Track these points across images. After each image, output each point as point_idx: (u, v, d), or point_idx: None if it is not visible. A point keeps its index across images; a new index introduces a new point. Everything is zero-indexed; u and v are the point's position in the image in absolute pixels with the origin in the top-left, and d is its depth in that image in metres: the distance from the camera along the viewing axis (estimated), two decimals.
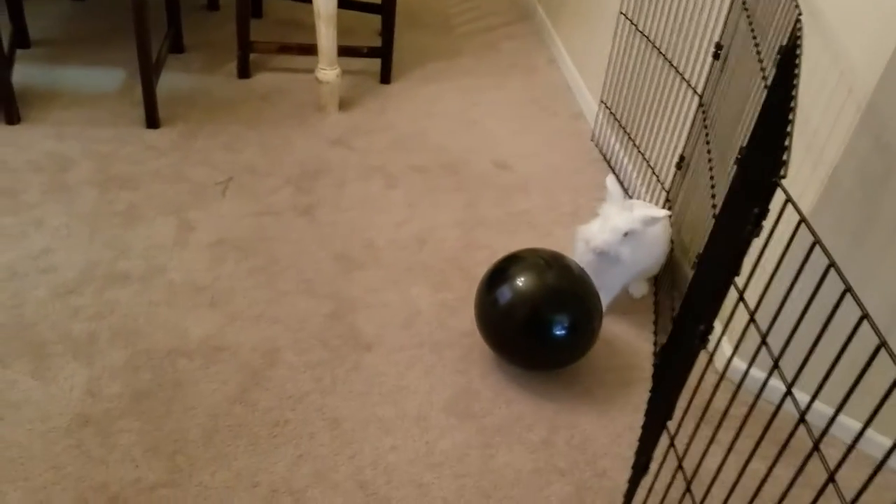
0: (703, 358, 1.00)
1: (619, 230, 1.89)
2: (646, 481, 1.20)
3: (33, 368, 1.81)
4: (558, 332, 1.82)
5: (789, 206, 0.85)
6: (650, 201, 2.49)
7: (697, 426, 1.02)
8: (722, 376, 0.95)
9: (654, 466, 1.17)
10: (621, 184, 2.17)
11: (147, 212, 2.33)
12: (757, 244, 0.89)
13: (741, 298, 0.91)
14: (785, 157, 0.87)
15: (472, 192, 2.66)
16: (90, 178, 2.47)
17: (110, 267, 2.11)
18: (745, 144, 1.18)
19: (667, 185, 2.42)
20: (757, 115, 1.21)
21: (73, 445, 1.67)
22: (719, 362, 2.00)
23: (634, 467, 1.25)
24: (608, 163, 2.90)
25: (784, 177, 0.87)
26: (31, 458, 1.62)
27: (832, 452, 1.79)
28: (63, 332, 1.91)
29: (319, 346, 1.98)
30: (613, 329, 2.12)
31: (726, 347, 1.96)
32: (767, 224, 0.88)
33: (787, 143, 0.89)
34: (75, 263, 2.11)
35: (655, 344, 1.97)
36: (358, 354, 1.97)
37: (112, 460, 1.64)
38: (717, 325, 2.00)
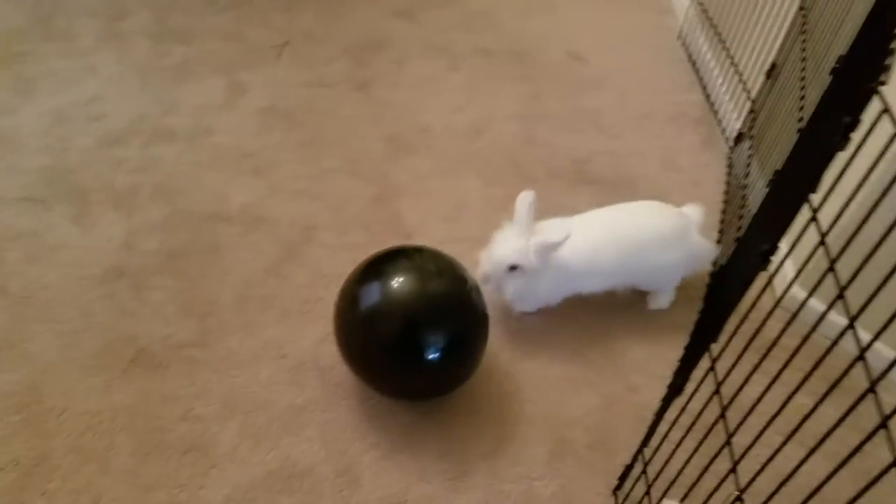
0: (760, 283, 0.90)
1: (502, 264, 1.56)
2: (679, 402, 1.12)
3: (74, 214, 1.80)
4: (432, 357, 1.41)
5: (883, 121, 0.71)
6: (732, 111, 2.29)
7: (743, 352, 0.93)
8: (777, 303, 0.84)
9: (689, 388, 1.09)
10: (533, 204, 1.58)
11: (200, 69, 2.26)
12: (841, 160, 0.77)
13: (814, 217, 0.79)
14: (888, 62, 0.73)
15: (539, 83, 2.50)
16: (146, 27, 2.40)
17: (157, 122, 2.06)
18: (844, 53, 1.02)
19: (752, 95, 2.22)
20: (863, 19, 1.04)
21: (106, 295, 1.67)
22: (778, 289, 1.88)
23: (670, 387, 1.17)
24: (693, 64, 2.67)
25: (885, 83, 0.73)
26: (63, 303, 1.64)
27: (888, 399, 1.67)
28: (106, 182, 1.89)
29: (359, 228, 1.91)
30: None
31: (788, 274, 1.83)
32: (856, 138, 0.75)
33: (892, 46, 0.74)
34: (124, 114, 2.06)
35: (714, 264, 1.84)
36: (398, 241, 1.89)
37: (143, 314, 1.64)
38: (783, 249, 1.86)
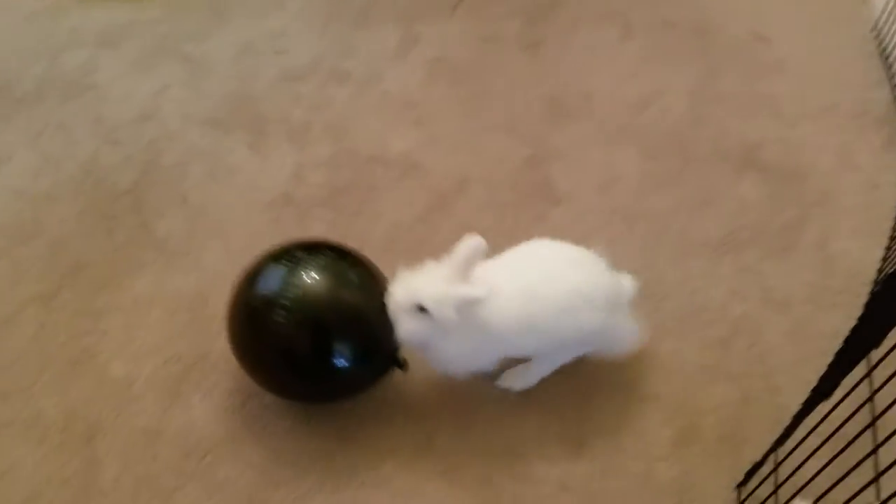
0: None
1: (411, 298, 1.32)
2: (821, 409, 1.07)
3: (252, 141, 1.94)
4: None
5: None
6: None
7: None
8: None
9: (837, 395, 1.04)
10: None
11: (379, 16, 2.33)
12: None
13: None
14: None
15: (715, 61, 2.38)
16: None
17: (335, 63, 2.16)
18: None
19: None
20: None
21: (273, 219, 1.80)
22: None
23: (815, 390, 1.12)
24: (885, 60, 2.45)
25: None
26: (234, 221, 1.78)
27: None
28: (283, 114, 2.01)
29: (509, 187, 1.93)
30: (838, 245, 1.87)
31: None
32: None
33: None
34: (306, 52, 2.18)
35: (880, 270, 1.71)
36: (545, 206, 1.91)
37: None
38: None
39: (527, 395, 1.51)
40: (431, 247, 1.75)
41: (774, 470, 1.26)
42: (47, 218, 1.72)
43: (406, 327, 1.34)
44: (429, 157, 1.97)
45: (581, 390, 1.52)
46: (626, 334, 1.47)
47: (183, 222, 1.77)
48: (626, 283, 1.47)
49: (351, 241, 1.75)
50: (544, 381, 1.52)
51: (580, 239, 1.82)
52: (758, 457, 1.34)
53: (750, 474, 1.34)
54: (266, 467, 1.40)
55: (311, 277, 1.35)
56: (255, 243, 1.73)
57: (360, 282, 1.41)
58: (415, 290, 1.31)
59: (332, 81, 2.11)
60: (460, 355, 1.39)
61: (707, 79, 2.31)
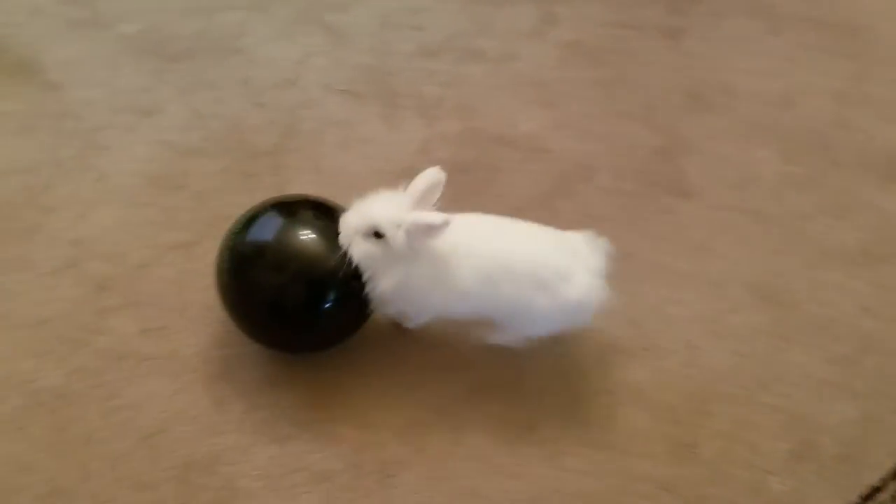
0: None
1: (367, 222, 1.33)
2: None
3: (384, 113, 1.99)
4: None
5: None
6: None
7: None
8: None
9: None
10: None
11: None
12: None
13: None
14: None
15: (867, 63, 2.23)
16: None
17: (470, 41, 2.18)
18: None
19: None
20: None
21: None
22: None
23: None
24: None
25: None
26: (360, 190, 1.83)
27: None
28: (416, 89, 2.05)
29: (636, 177, 1.89)
30: None
31: None
32: None
33: None
34: (442, 28, 2.20)
35: None
36: (673, 198, 1.86)
37: None
38: None
39: (640, 392, 1.49)
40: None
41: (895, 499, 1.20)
42: (193, 171, 1.83)
43: (360, 249, 1.34)
44: (556, 140, 1.96)
45: (697, 395, 1.49)
46: (599, 297, 1.42)
47: (314, 187, 1.84)
48: (591, 246, 1.45)
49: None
50: (661, 380, 1.50)
51: (708, 236, 1.77)
52: (876, 481, 1.27)
53: (866, 499, 1.27)
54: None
55: (298, 231, 1.38)
56: None
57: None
58: (371, 214, 1.32)
59: (466, 59, 2.13)
60: (404, 288, 1.38)
61: (856, 80, 2.18)
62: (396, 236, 1.31)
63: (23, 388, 1.47)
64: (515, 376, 1.53)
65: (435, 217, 1.28)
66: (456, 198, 1.81)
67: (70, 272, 1.63)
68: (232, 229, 1.45)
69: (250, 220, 1.44)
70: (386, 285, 1.38)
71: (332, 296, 1.39)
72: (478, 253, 1.39)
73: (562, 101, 2.05)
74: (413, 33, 2.18)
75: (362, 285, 1.39)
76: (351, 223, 1.34)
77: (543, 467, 1.42)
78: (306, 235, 1.39)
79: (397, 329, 1.58)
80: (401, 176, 1.85)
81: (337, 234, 1.37)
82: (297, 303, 1.39)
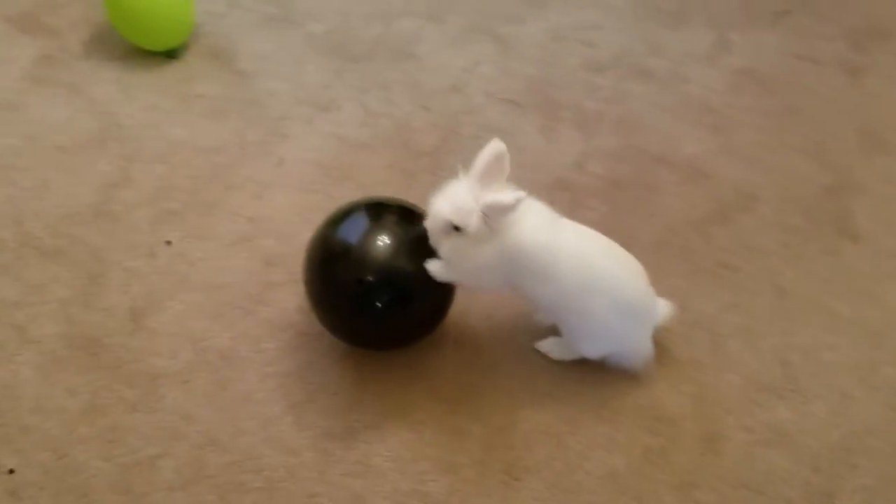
0: None
1: (439, 219, 1.34)
2: None
3: (542, 125, 2.02)
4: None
5: None
6: None
7: None
8: None
9: None
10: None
11: (693, 18, 2.29)
12: None
13: None
14: None
15: None
16: None
17: (639, 60, 2.17)
18: None
19: None
20: None
21: (547, 200, 1.84)
22: None
23: None
24: None
25: None
26: None
27: None
28: (577, 103, 2.07)
29: (801, 213, 1.82)
30: None
31: None
32: None
33: None
34: (611, 46, 2.21)
35: None
36: (839, 240, 1.77)
37: None
38: None
39: (782, 434, 1.44)
40: (701, 257, 1.73)
41: None
42: (360, 164, 1.95)
43: (445, 248, 1.37)
44: (719, 165, 1.91)
45: (843, 445, 1.42)
46: (643, 352, 1.50)
47: None
48: (662, 307, 1.50)
49: (619, 237, 1.76)
50: (806, 424, 1.44)
51: (873, 282, 1.68)
52: None
53: None
54: None
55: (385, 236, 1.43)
56: None
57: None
58: (441, 211, 1.33)
59: (633, 77, 2.12)
60: (483, 268, 1.38)
61: None
62: (471, 224, 1.31)
63: (194, 345, 1.62)
64: (653, 401, 1.52)
65: (505, 197, 1.27)
66: (609, 213, 1.83)
67: (245, 246, 1.78)
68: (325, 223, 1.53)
69: (342, 216, 1.51)
70: (476, 270, 1.39)
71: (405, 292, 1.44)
72: (590, 262, 1.40)
73: (729, 127, 2.00)
74: (582, 48, 2.20)
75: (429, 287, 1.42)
76: (429, 225, 1.38)
77: (672, 496, 1.40)
78: (388, 237, 1.44)
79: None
80: (553, 187, 1.89)
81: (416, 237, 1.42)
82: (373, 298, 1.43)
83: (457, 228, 1.33)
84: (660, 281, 1.66)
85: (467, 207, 1.30)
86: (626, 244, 1.71)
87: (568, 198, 1.87)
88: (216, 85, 2.10)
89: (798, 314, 1.64)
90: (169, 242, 1.79)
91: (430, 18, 2.28)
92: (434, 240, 1.39)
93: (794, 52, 2.20)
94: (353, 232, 1.47)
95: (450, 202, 1.33)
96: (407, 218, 1.48)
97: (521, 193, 1.27)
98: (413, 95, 2.09)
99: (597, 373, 1.56)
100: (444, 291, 1.49)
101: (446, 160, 1.95)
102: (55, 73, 2.12)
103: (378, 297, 1.42)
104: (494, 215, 1.30)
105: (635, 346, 1.49)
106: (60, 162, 1.93)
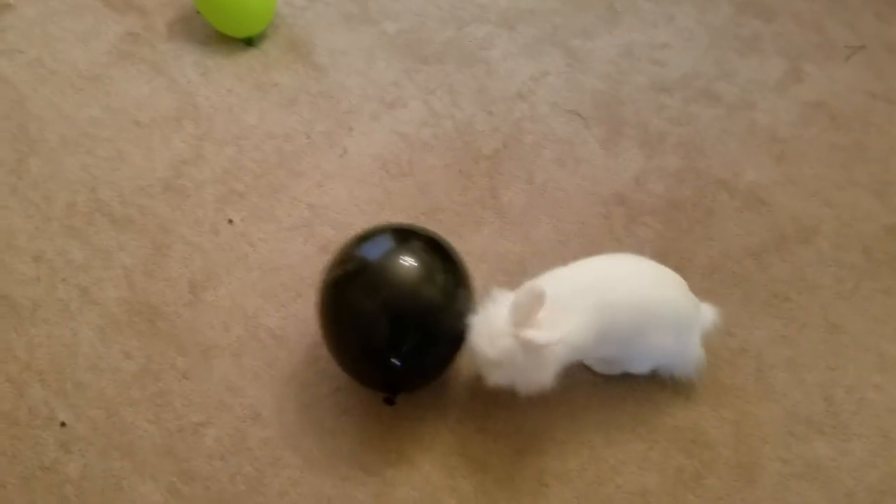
0: None
1: (486, 356, 1.36)
2: None
3: (605, 139, 2.03)
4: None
5: None
6: None
7: None
8: None
9: None
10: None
11: (767, 47, 2.27)
12: None
13: None
14: None
15: None
16: None
17: (708, 83, 2.16)
18: None
19: None
20: None
21: (602, 215, 1.88)
22: None
23: None
24: None
25: None
26: (567, 207, 1.89)
27: None
28: (642, 120, 2.07)
29: (860, 251, 1.79)
30: None
31: None
32: None
33: None
34: (681, 67, 2.20)
35: None
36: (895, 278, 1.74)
37: (626, 242, 1.82)
38: None
39: (818, 469, 1.42)
40: (756, 285, 1.72)
41: None
42: (419, 163, 1.98)
43: (493, 378, 1.38)
44: (781, 195, 1.89)
45: (880, 487, 1.39)
46: (693, 359, 1.49)
47: (524, 196, 1.93)
48: (707, 312, 1.50)
49: (672, 258, 1.77)
50: (844, 462, 1.42)
51: None
52: None
53: None
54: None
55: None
56: (582, 230, 1.84)
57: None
58: (481, 350, 1.35)
59: (701, 100, 2.12)
60: (539, 376, 1.38)
61: None
62: (514, 357, 1.33)
63: (246, 322, 1.68)
64: (692, 423, 1.52)
65: (540, 337, 1.29)
66: (664, 232, 1.83)
67: (303, 231, 1.84)
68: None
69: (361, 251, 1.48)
70: (541, 381, 1.39)
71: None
72: (589, 318, 1.37)
73: (794, 158, 1.98)
74: (652, 67, 2.20)
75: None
76: (479, 358, 1.38)
77: None
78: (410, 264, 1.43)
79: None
80: (610, 201, 1.90)
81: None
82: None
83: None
84: (710, 305, 1.65)
85: (506, 344, 1.32)
86: (680, 265, 1.72)
87: (624, 213, 1.88)
88: (291, 75, 2.17)
89: (846, 351, 1.62)
90: (231, 221, 1.85)
91: (502, 26, 2.31)
92: (484, 371, 1.40)
93: (868, 89, 2.16)
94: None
95: (488, 337, 1.34)
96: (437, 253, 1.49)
97: (556, 336, 1.30)
98: (478, 100, 2.12)
99: (637, 390, 1.57)
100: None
101: (505, 165, 1.97)
102: (140, 50, 2.22)
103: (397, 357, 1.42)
104: (531, 352, 1.32)
105: (684, 355, 1.49)
106: (137, 135, 2.02)
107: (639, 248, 1.79)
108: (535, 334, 1.29)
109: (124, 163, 1.96)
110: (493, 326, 1.34)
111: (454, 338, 1.43)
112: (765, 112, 2.09)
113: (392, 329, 1.40)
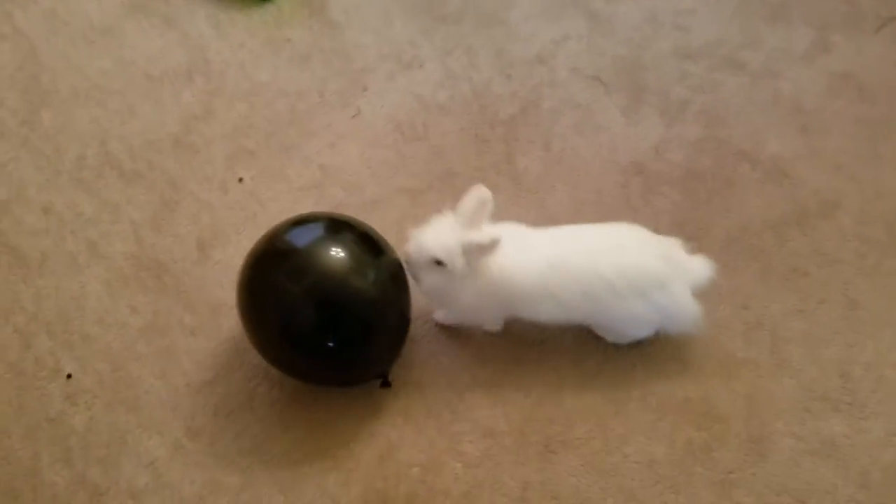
0: None
1: (425, 253, 1.38)
2: None
3: (625, 106, 1.98)
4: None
5: None
6: None
7: None
8: None
9: None
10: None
11: (794, 15, 2.19)
12: None
13: None
14: None
15: None
16: None
17: (732, 51, 2.10)
18: None
19: None
20: None
21: (620, 184, 1.84)
22: None
23: None
24: None
25: None
26: (584, 175, 1.85)
27: None
28: (663, 88, 2.02)
29: (883, 226, 1.74)
30: None
31: None
32: None
33: None
34: (705, 33, 2.14)
35: None
36: None
37: (643, 212, 1.78)
38: None
39: (832, 446, 1.39)
40: (773, 259, 1.68)
41: None
42: (434, 126, 1.95)
43: (426, 282, 1.41)
44: (803, 168, 1.84)
45: None
46: (688, 314, 1.44)
47: (540, 163, 1.89)
48: (699, 266, 1.45)
49: (690, 229, 1.73)
50: (859, 440, 1.39)
51: None
52: None
53: None
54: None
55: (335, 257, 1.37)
56: (598, 199, 1.80)
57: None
58: (426, 245, 1.37)
59: (725, 68, 2.05)
60: (473, 306, 1.45)
61: None
62: (455, 261, 1.36)
63: None
64: (704, 395, 1.49)
65: (483, 237, 1.33)
66: (681, 202, 1.79)
67: (313, 192, 1.81)
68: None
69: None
70: (463, 308, 1.46)
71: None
72: (577, 266, 1.40)
73: (819, 130, 1.92)
74: (676, 33, 2.13)
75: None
76: (413, 258, 1.41)
77: (710, 492, 1.38)
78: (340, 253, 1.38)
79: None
80: (628, 170, 1.85)
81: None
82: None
83: (438, 263, 1.38)
84: (727, 278, 1.62)
85: (453, 245, 1.35)
86: (697, 236, 1.68)
87: (642, 182, 1.83)
88: (305, 31, 2.12)
89: (865, 328, 1.58)
90: (241, 180, 1.83)
91: None
92: (414, 272, 1.43)
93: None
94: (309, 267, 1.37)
95: (436, 238, 1.37)
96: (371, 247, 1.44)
97: (498, 233, 1.32)
98: (497, 62, 2.07)
99: (648, 361, 1.54)
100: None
101: (522, 130, 1.93)
102: (152, 3, 2.18)
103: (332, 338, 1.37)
104: (473, 254, 1.36)
105: (676, 312, 1.45)
106: (148, 89, 1.99)
107: (655, 218, 1.75)
108: (478, 234, 1.33)
109: (134, 117, 1.94)
110: (440, 230, 1.37)
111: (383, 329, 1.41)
112: (790, 82, 2.03)
113: (318, 317, 1.35)
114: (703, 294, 1.46)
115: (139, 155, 1.86)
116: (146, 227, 1.74)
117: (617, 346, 1.55)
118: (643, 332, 1.52)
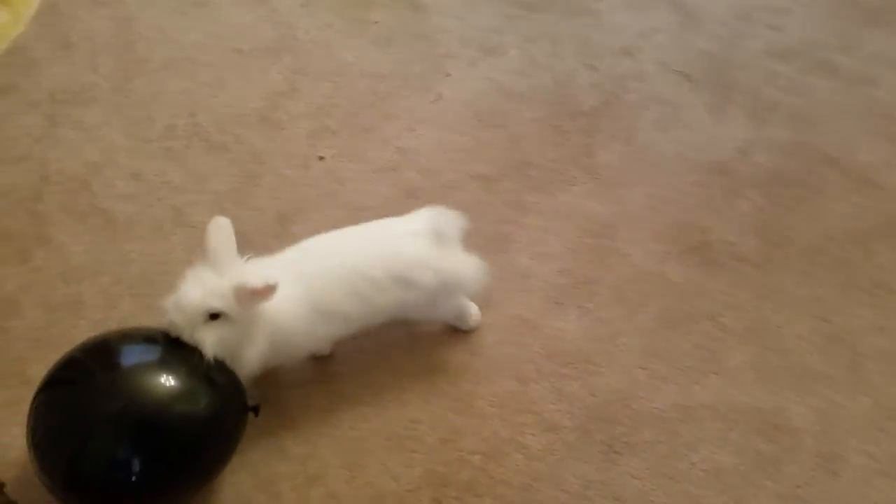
0: None
1: (197, 310, 1.20)
2: None
3: (712, 104, 1.94)
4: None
5: None
6: None
7: None
8: None
9: None
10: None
11: (894, 19, 2.10)
12: None
13: None
14: None
15: None
16: None
17: (827, 54, 2.03)
18: None
19: None
20: None
21: (701, 184, 1.80)
22: None
23: None
24: None
25: None
26: (665, 173, 1.82)
27: None
28: (753, 87, 1.96)
29: None
30: None
31: None
32: None
33: None
34: (800, 34, 2.08)
35: None
36: None
37: (724, 214, 1.74)
38: None
39: None
40: (857, 272, 1.62)
41: None
42: (514, 114, 1.94)
43: (209, 341, 1.22)
44: (895, 179, 1.77)
45: None
46: (462, 278, 1.43)
47: (620, 158, 1.86)
48: (440, 221, 1.41)
49: (773, 236, 1.69)
50: None
51: None
52: None
53: None
54: None
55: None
56: (678, 198, 1.77)
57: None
58: (193, 300, 1.21)
59: (817, 71, 1.99)
60: (277, 344, 1.32)
61: None
62: (233, 306, 1.23)
63: None
64: (776, 407, 1.46)
65: (256, 281, 1.21)
66: (766, 207, 1.74)
67: (390, 174, 1.83)
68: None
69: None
70: (256, 353, 1.31)
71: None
72: (335, 275, 1.36)
73: None
74: (768, 32, 2.07)
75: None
76: (179, 321, 1.22)
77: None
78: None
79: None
80: (711, 170, 1.81)
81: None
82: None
83: (214, 316, 1.23)
84: (807, 288, 1.57)
85: (224, 290, 1.22)
86: (779, 243, 1.64)
87: (724, 183, 1.80)
88: (391, 14, 2.14)
89: None
90: (322, 158, 1.86)
91: None
92: (190, 337, 1.23)
93: None
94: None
95: (202, 289, 1.22)
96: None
97: (275, 278, 1.21)
98: (581, 52, 2.04)
99: (721, 369, 1.52)
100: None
101: (603, 123, 1.91)
102: None
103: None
104: (247, 299, 1.23)
105: (455, 277, 1.43)
106: (237, 64, 2.04)
107: (737, 222, 1.71)
108: (250, 278, 1.21)
109: (223, 90, 1.99)
110: (201, 281, 1.23)
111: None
112: (887, 90, 1.95)
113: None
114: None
115: (226, 128, 1.91)
116: (230, 199, 1.79)
117: (691, 355, 1.53)
118: (447, 306, 1.50)
